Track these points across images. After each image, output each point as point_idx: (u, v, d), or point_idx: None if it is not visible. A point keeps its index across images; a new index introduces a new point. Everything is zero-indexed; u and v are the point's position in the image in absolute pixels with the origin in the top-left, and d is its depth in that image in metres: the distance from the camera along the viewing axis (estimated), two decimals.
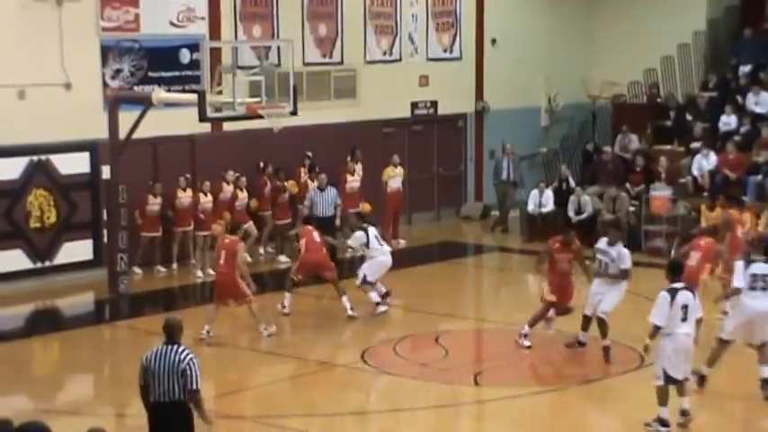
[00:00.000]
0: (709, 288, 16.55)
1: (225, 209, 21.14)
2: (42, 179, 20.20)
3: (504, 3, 27.83)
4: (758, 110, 24.96)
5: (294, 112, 18.63)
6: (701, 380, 13.95)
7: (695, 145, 24.61)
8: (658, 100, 27.37)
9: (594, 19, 29.49)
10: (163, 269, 21.19)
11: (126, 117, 19.17)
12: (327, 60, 24.39)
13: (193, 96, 18.04)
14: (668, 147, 25.58)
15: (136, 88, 20.92)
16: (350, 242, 18.57)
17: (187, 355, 10.04)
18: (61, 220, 20.43)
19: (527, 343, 15.93)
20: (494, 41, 27.67)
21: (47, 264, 20.30)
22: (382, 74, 25.30)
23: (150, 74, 21.29)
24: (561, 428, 13.34)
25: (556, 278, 16.01)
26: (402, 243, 24.03)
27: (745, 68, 26.42)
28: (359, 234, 18.08)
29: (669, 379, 12.50)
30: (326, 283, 20.23)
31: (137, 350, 15.29)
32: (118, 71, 20.93)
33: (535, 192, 24.42)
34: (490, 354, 16.83)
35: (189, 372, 9.96)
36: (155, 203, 20.77)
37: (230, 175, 21.46)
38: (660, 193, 23.36)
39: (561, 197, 24.09)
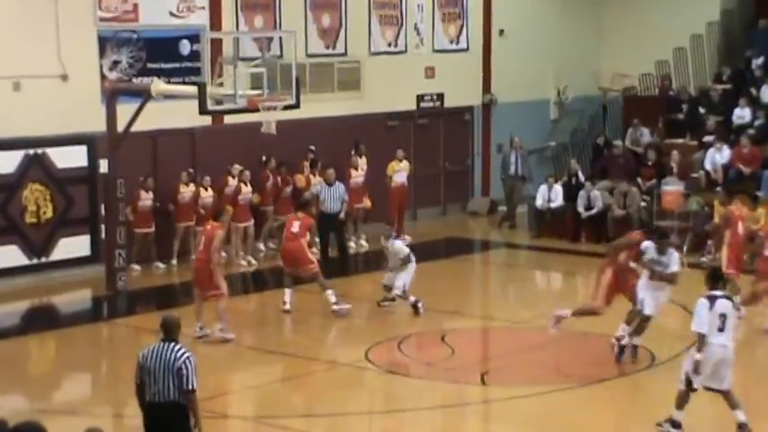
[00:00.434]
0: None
1: (228, 203, 21.16)
2: (38, 173, 20.21)
3: None
4: None
5: (296, 105, 18.62)
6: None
7: (708, 139, 24.58)
8: (670, 92, 27.34)
9: (605, 9, 29.47)
10: (161, 265, 21.20)
11: (124, 110, 19.17)
12: (331, 52, 24.37)
13: (193, 88, 18.03)
14: (680, 140, 25.55)
15: (134, 80, 20.92)
16: (401, 256, 17.98)
17: (184, 353, 10.03)
18: (58, 215, 20.44)
19: (553, 330, 15.84)
20: (501, 32, 27.65)
21: (43, 260, 20.31)
22: (387, 65, 25.28)
23: (149, 65, 21.29)
24: (571, 429, 13.33)
25: (622, 274, 15.58)
26: (407, 239, 23.97)
27: (759, 60, 26.38)
28: (401, 246, 17.86)
29: (691, 386, 12.42)
30: (329, 281, 20.24)
31: (135, 348, 15.25)
32: (116, 62, 20.93)
33: (544, 187, 24.41)
34: (497, 352, 16.83)
35: (184, 371, 9.95)
36: (147, 199, 20.76)
37: (236, 168, 21.47)
38: (672, 188, 23.34)
39: (570, 192, 24.08)
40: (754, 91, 25.66)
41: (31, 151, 20.09)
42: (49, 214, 20.37)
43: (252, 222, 21.63)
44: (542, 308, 18.59)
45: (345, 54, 24.61)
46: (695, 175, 23.87)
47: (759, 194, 21.82)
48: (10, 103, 19.54)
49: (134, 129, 19.21)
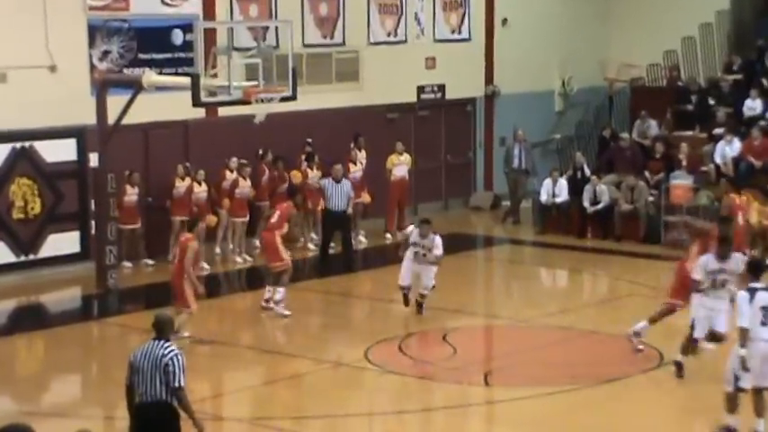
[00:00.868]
0: None
1: (225, 197, 21.13)
2: (26, 167, 20.17)
3: None
4: None
5: (293, 97, 18.59)
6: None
7: (718, 131, 24.55)
8: (679, 83, 27.31)
9: None
10: (151, 262, 21.13)
11: (115, 101, 19.12)
12: (328, 42, 24.33)
13: (187, 80, 18.01)
14: (689, 133, 25.52)
15: (125, 71, 20.88)
16: (439, 252, 17.63)
17: (171, 350, 10.05)
18: (46, 210, 20.40)
19: (640, 346, 15.49)
20: (505, 21, 27.62)
21: (31, 257, 20.28)
22: (387, 56, 25.24)
23: (141, 56, 21.24)
24: (576, 431, 13.31)
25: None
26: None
27: None
28: (440, 241, 17.71)
29: (739, 386, 12.28)
30: (327, 278, 20.29)
31: (126, 348, 15.26)
32: (106, 53, 20.89)
33: (548, 181, 24.38)
34: (501, 352, 16.82)
35: (171, 367, 9.95)
36: (132, 194, 20.70)
37: (234, 162, 21.43)
38: (681, 181, 23.31)
39: (576, 186, 24.05)
40: (765, 81, 25.63)
41: (19, 145, 20.05)
42: (38, 210, 20.33)
43: (247, 218, 21.59)
44: (547, 306, 18.60)
45: (344, 44, 24.57)
46: (705, 168, 23.84)
47: None
48: None
49: (125, 121, 19.17)
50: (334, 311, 18.67)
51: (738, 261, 14.00)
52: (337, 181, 21.14)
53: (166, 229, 20.92)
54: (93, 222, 20.25)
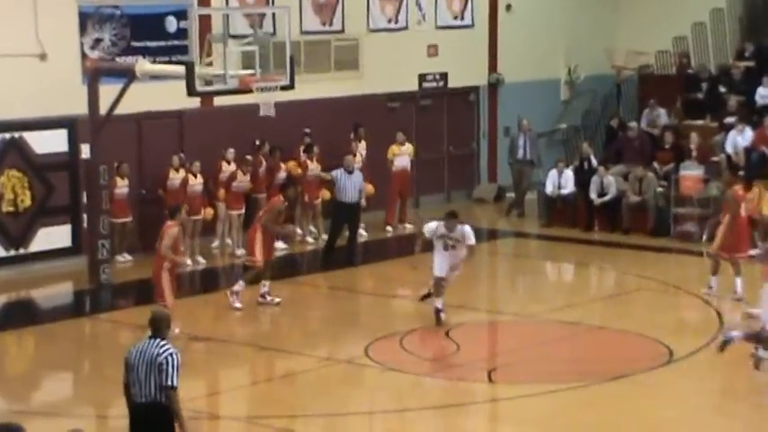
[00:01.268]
0: None
1: (221, 189, 21.12)
2: (15, 159, 20.17)
3: None
4: None
5: (291, 86, 18.58)
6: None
7: (729, 120, 24.55)
8: (689, 71, 27.29)
9: None
10: (129, 257, 20.99)
11: (107, 91, 19.13)
12: (327, 29, 24.33)
13: (181, 68, 17.99)
14: (700, 122, 25.52)
15: (118, 59, 20.87)
16: (472, 242, 17.08)
17: (167, 349, 10.03)
18: (36, 203, 20.41)
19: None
20: (509, 7, 27.60)
21: (21, 251, 20.28)
22: (387, 43, 25.24)
23: (134, 43, 21.24)
24: (582, 429, 13.34)
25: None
26: (409, 227, 24.01)
27: None
28: (470, 230, 17.22)
29: None
30: (326, 272, 20.30)
31: (119, 345, 15.35)
32: (98, 40, 20.88)
33: (554, 172, 24.38)
34: (505, 348, 16.84)
35: (165, 366, 9.93)
36: (123, 186, 20.68)
37: (231, 153, 21.43)
38: (691, 172, 23.31)
39: (582, 177, 24.05)
40: None
41: (8, 135, 20.05)
42: (28, 203, 20.34)
43: (243, 210, 21.60)
44: (553, 301, 18.62)
45: (343, 31, 24.56)
46: (716, 158, 23.84)
47: None
48: None
49: (118, 111, 19.18)
50: (333, 307, 18.69)
51: None
52: (350, 172, 21.11)
53: (161, 223, 20.88)
54: (84, 216, 20.25)
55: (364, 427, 13.84)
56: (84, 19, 20.72)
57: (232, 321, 17.77)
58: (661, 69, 28.22)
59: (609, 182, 23.60)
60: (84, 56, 20.59)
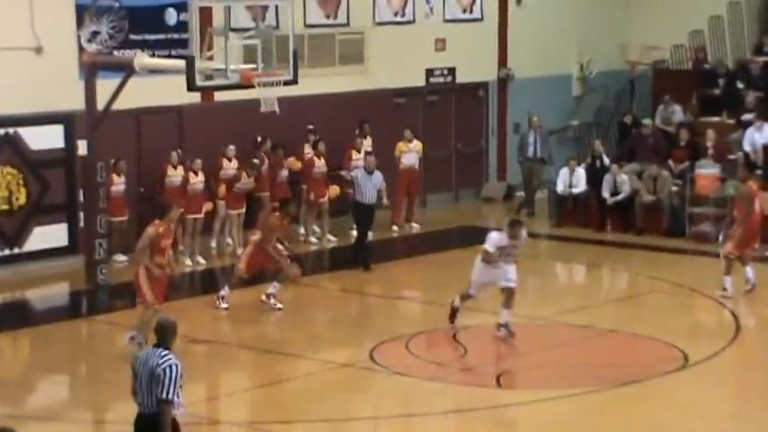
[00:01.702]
0: None
1: (221, 186, 21.11)
2: (10, 155, 20.20)
3: None
4: None
5: (294, 81, 18.60)
6: None
7: (747, 116, 24.55)
8: (705, 66, 27.30)
9: None
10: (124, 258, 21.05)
11: (105, 85, 19.16)
12: (331, 22, 24.35)
13: (181, 62, 18.02)
14: (716, 119, 25.52)
15: (116, 53, 20.86)
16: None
17: (167, 360, 9.90)
18: (32, 201, 20.44)
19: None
20: (519, 0, 27.61)
21: (16, 251, 20.32)
22: (393, 37, 25.25)
23: (132, 37, 21.22)
24: None
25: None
26: (416, 227, 24.03)
27: None
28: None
29: None
30: (330, 273, 20.31)
31: (116, 347, 15.39)
32: (95, 33, 20.86)
33: (565, 170, 24.39)
34: (515, 352, 16.82)
35: (162, 377, 9.81)
36: (119, 184, 20.69)
37: (231, 150, 21.44)
38: (707, 170, 23.30)
39: (594, 176, 24.05)
40: None
41: (2, 131, 20.09)
42: (23, 200, 20.37)
43: (244, 209, 21.61)
44: (564, 303, 18.62)
45: (347, 24, 24.58)
46: (733, 156, 23.83)
47: None
48: None
49: (115, 106, 19.20)
50: (337, 308, 18.71)
51: None
52: (370, 172, 21.06)
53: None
54: (81, 214, 20.28)
55: None
56: (81, 11, 20.71)
57: (233, 323, 17.79)
58: (676, 64, 28.23)
59: (622, 180, 23.60)
60: (80, 49, 20.58)
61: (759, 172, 22.69)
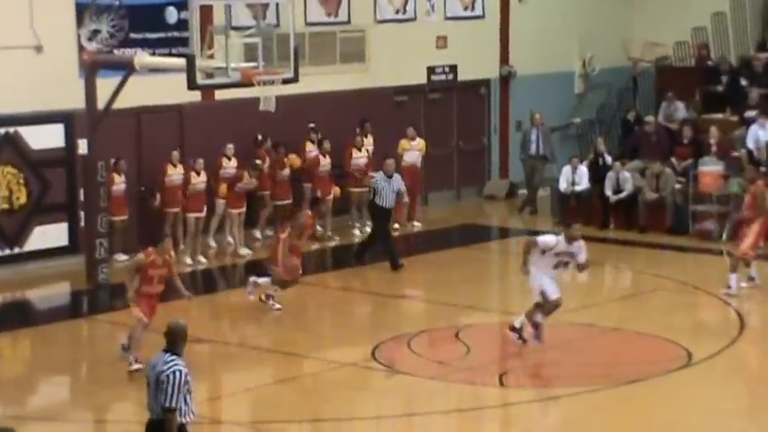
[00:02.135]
0: None
1: (221, 185, 21.11)
2: (10, 155, 20.21)
3: None
4: None
5: (295, 79, 18.60)
6: None
7: (750, 113, 24.52)
8: (709, 62, 27.27)
9: None
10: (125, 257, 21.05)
11: (105, 84, 19.16)
12: (332, 20, 24.34)
13: (181, 61, 18.02)
14: (720, 116, 25.49)
15: (116, 52, 20.90)
16: (584, 257, 16.17)
17: (171, 366, 9.84)
18: (32, 201, 20.44)
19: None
20: None
21: (16, 250, 20.32)
22: (394, 35, 25.24)
23: (132, 35, 21.25)
24: None
25: None
26: (418, 226, 24.02)
27: None
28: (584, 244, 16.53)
29: None
30: (333, 272, 20.33)
31: (117, 348, 15.37)
32: (95, 32, 20.90)
33: (568, 168, 24.37)
34: (517, 351, 16.82)
35: (165, 384, 9.77)
36: (120, 183, 20.68)
37: (230, 149, 21.45)
38: (710, 168, 23.29)
39: (597, 174, 24.04)
40: None
41: (2, 130, 20.09)
42: (23, 200, 20.38)
43: (245, 209, 21.62)
44: (567, 301, 18.60)
45: (348, 22, 24.57)
46: (736, 153, 23.81)
47: None
48: None
49: (116, 105, 19.20)
50: (339, 307, 18.72)
51: None
52: (389, 176, 21.04)
53: (160, 222, 20.94)
54: (82, 213, 20.28)
55: None
56: (81, 10, 20.74)
57: (235, 323, 17.80)
58: (679, 61, 28.20)
59: (625, 178, 23.59)
60: (81, 48, 20.61)
61: (763, 169, 22.69)
